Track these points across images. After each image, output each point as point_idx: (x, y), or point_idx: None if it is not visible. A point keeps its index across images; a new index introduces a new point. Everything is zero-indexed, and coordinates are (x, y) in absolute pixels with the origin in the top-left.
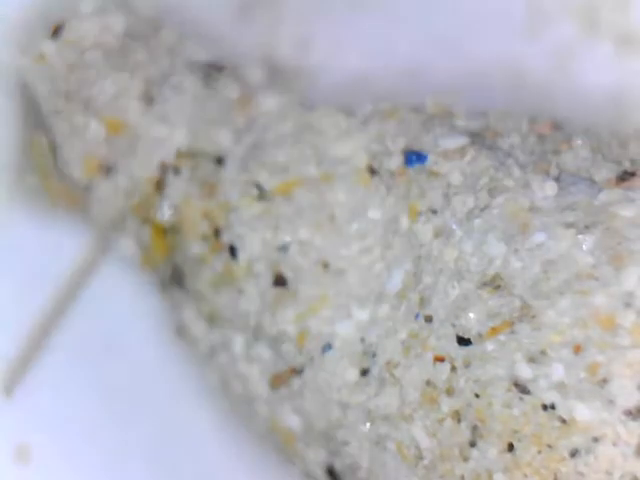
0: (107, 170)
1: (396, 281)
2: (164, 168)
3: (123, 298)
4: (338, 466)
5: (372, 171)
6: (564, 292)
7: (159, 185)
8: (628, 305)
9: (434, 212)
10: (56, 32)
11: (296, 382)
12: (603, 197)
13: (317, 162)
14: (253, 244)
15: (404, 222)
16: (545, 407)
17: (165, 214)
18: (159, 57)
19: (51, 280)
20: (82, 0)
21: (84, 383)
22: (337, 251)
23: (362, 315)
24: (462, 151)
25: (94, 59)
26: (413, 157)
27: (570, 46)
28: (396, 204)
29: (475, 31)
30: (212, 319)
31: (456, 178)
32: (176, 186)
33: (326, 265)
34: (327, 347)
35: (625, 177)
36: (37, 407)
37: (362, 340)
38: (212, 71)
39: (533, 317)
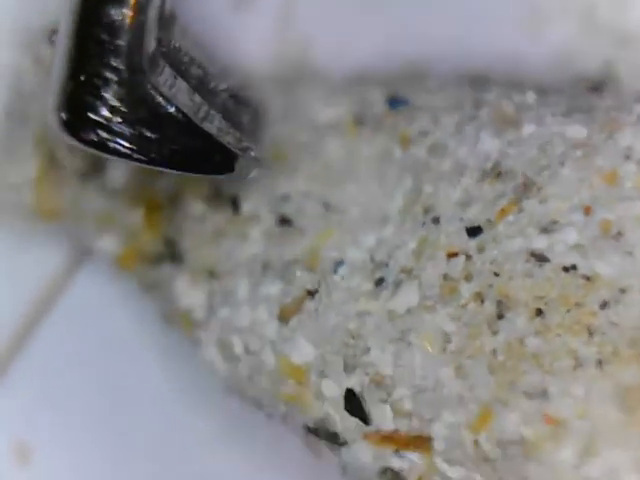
0: (100, 167)
1: (397, 200)
2: None
3: (124, 293)
4: (358, 388)
5: (359, 122)
6: (564, 161)
7: None
8: (628, 157)
9: (425, 134)
10: (52, 36)
11: (309, 305)
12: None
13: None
14: (255, 197)
15: (397, 151)
16: (566, 269)
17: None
18: None
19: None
20: None
21: (85, 381)
22: (335, 194)
23: (369, 240)
24: (443, 86)
25: None
26: (396, 102)
27: (570, 46)
28: (386, 138)
29: (476, 31)
30: (212, 274)
31: (441, 103)
32: None
33: (327, 206)
34: (339, 264)
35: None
36: (37, 407)
37: (372, 259)
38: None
39: (539, 190)
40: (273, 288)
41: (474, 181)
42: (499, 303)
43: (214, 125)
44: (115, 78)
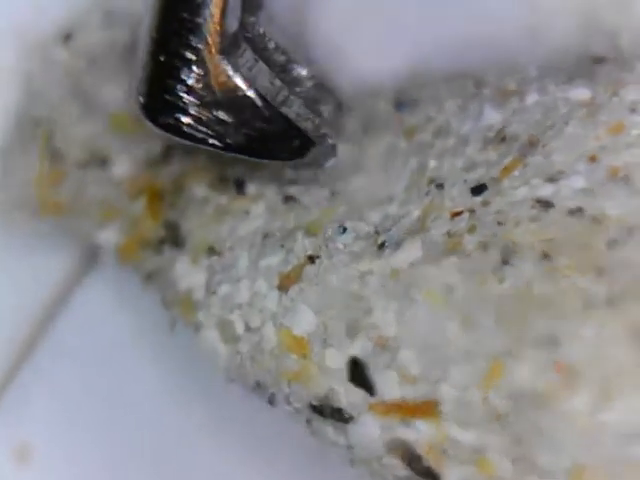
0: (103, 159)
1: (403, 181)
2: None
3: (123, 299)
4: (362, 355)
5: (366, 130)
6: (568, 121)
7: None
8: (633, 110)
9: (429, 120)
10: (65, 41)
11: (310, 271)
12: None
13: None
14: (260, 180)
15: (402, 144)
16: (572, 212)
17: (171, 174)
18: None
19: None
20: (90, 13)
21: (85, 382)
22: (342, 185)
23: (374, 217)
24: (446, 79)
25: (101, 66)
26: (402, 105)
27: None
28: (392, 135)
29: (475, 31)
30: (212, 250)
31: (444, 91)
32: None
33: (334, 192)
34: (342, 231)
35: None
36: (38, 408)
37: (376, 231)
38: None
39: (543, 147)
40: (274, 258)
41: (477, 149)
42: (504, 249)
43: (292, 110)
44: (194, 57)
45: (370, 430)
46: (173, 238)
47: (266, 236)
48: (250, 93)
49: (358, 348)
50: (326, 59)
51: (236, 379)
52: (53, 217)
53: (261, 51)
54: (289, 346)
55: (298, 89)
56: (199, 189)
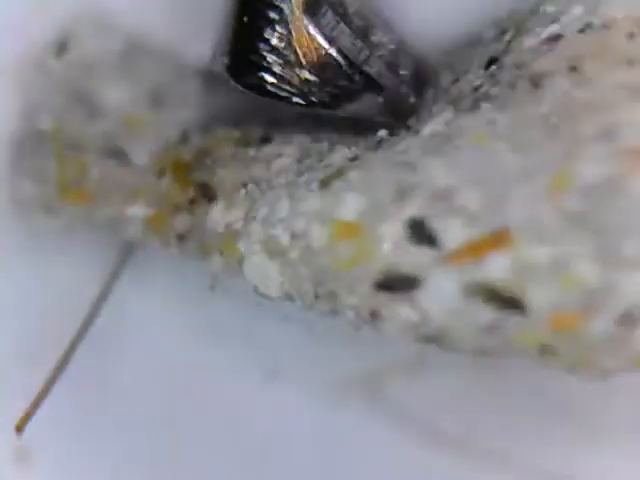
0: (121, 153)
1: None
2: None
3: (126, 300)
4: (418, 213)
5: None
6: None
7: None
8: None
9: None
10: (59, 53)
11: (352, 166)
12: None
13: None
14: (284, 136)
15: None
16: (582, 30)
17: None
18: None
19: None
20: (81, 23)
21: (87, 385)
22: None
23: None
24: None
25: (98, 74)
26: None
27: None
28: None
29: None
30: (247, 185)
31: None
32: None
33: None
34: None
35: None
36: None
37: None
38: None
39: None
40: (314, 173)
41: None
42: (531, 78)
43: (374, 70)
44: (277, 17)
45: (444, 285)
46: (204, 194)
47: (302, 160)
48: (332, 52)
49: (413, 208)
50: (406, 25)
51: (294, 295)
52: (78, 207)
53: (342, 16)
54: (340, 234)
55: (378, 53)
56: (226, 149)
